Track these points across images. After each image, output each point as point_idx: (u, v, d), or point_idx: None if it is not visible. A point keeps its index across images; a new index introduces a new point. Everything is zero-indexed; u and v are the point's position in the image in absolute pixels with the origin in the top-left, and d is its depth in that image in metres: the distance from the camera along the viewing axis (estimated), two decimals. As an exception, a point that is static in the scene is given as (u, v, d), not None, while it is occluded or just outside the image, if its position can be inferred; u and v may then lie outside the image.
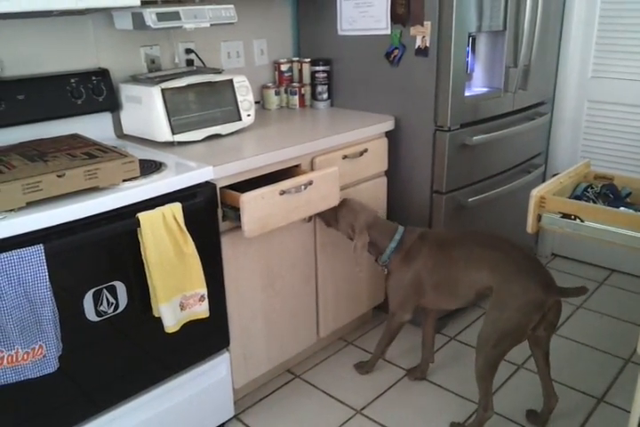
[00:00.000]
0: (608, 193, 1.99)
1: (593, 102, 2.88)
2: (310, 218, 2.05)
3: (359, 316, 2.48)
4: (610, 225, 1.75)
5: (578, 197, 2.00)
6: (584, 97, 2.90)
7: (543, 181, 2.81)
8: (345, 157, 2.09)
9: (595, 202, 1.97)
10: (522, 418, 2.01)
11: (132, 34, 2.08)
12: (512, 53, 2.40)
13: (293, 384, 2.21)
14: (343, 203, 2.01)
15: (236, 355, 1.95)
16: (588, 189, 2.02)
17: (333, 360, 2.35)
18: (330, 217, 2.03)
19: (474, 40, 2.40)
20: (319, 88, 2.50)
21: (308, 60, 2.53)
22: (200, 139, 1.99)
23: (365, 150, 2.17)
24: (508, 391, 2.15)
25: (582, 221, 1.81)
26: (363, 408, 2.09)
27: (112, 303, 1.54)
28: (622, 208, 1.85)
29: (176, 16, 1.89)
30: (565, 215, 1.84)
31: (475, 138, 2.27)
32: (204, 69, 2.18)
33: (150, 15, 1.82)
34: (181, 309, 1.60)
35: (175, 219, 1.55)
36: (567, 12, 2.80)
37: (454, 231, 2.00)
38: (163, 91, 1.90)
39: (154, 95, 1.89)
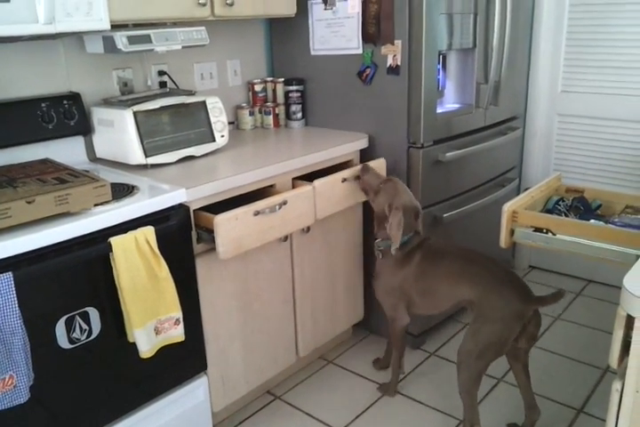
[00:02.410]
0: (579, 206, 2.03)
1: (563, 116, 2.94)
2: (286, 237, 2.05)
3: (339, 334, 2.47)
4: (581, 237, 1.78)
5: (550, 211, 2.03)
6: (554, 111, 2.95)
7: (517, 194, 2.84)
8: (344, 180, 2.08)
9: (566, 215, 2.00)
10: (503, 433, 2.02)
11: (104, 57, 2.08)
12: (482, 70, 2.45)
13: (274, 406, 2.19)
14: (391, 180, 2.02)
15: (214, 378, 1.93)
16: (560, 203, 2.05)
17: (314, 380, 2.34)
18: (371, 187, 2.04)
19: (444, 58, 2.44)
20: (293, 108, 2.52)
21: (282, 79, 2.55)
22: (173, 161, 1.99)
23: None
24: (489, 405, 2.15)
25: (554, 234, 1.83)
26: (344, 428, 2.08)
27: (85, 330, 1.52)
28: (593, 220, 1.88)
29: (147, 39, 1.90)
30: (537, 229, 1.87)
31: (448, 154, 2.29)
32: (177, 91, 2.18)
33: (121, 38, 1.82)
34: (156, 333, 1.59)
35: (148, 242, 1.54)
36: (535, 28, 2.86)
37: (451, 244, 2.03)
38: (135, 113, 1.90)
39: (126, 118, 1.89)
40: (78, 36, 1.96)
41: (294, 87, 2.50)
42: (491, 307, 1.75)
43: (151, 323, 1.57)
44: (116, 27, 1.77)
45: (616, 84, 2.74)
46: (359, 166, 2.10)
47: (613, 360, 1.10)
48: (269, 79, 2.58)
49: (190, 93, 2.11)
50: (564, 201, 2.05)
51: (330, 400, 2.21)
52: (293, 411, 2.16)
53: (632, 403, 1.06)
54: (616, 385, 1.08)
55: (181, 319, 1.64)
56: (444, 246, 1.99)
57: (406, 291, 1.97)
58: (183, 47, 1.98)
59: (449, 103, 2.50)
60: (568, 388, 2.24)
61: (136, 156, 1.90)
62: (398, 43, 2.17)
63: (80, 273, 1.50)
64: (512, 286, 1.76)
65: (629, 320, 1.04)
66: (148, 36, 1.89)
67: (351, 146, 2.25)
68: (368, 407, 2.17)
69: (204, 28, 2.02)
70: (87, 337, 1.53)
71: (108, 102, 2.03)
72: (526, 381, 1.94)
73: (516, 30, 2.55)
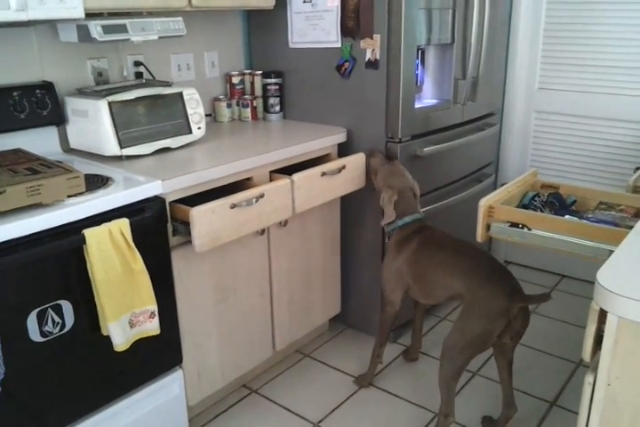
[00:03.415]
0: (554, 201, 2.05)
1: (540, 113, 2.97)
2: (263, 231, 2.04)
3: (315, 328, 2.47)
4: (555, 233, 1.80)
5: (525, 206, 2.04)
6: (532, 108, 2.98)
7: (494, 190, 2.87)
8: (323, 173, 2.08)
9: (542, 210, 2.02)
10: (477, 425, 2.03)
11: (78, 46, 2.04)
12: (460, 66, 2.45)
13: (250, 399, 2.19)
14: (394, 163, 2.17)
15: (190, 371, 1.91)
16: (536, 198, 2.07)
17: (290, 374, 2.34)
18: (373, 169, 2.19)
19: (423, 53, 2.44)
20: (271, 100, 2.50)
21: (260, 72, 2.53)
22: (149, 152, 1.96)
23: (343, 167, 2.16)
24: (465, 398, 2.17)
25: (529, 229, 1.85)
26: (320, 421, 2.08)
27: (58, 323, 1.50)
28: (567, 216, 1.90)
29: (123, 29, 1.86)
30: (513, 224, 1.89)
31: (426, 149, 2.30)
32: (153, 82, 2.15)
33: (96, 27, 1.79)
34: (131, 326, 1.57)
35: (123, 235, 1.52)
36: (513, 25, 2.88)
37: (449, 235, 2.03)
38: (110, 104, 1.87)
39: (101, 109, 1.85)
40: (52, 24, 1.92)
41: (272, 80, 2.48)
42: (478, 302, 1.75)
43: (126, 316, 1.55)
44: (90, 15, 1.74)
45: (591, 82, 2.77)
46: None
47: (586, 354, 1.11)
48: (247, 71, 2.56)
49: (167, 84, 2.09)
50: (539, 197, 2.07)
51: (306, 394, 2.21)
52: (269, 405, 2.16)
53: (604, 396, 1.08)
54: (588, 378, 1.10)
55: (157, 312, 1.62)
56: (442, 236, 2.00)
57: (403, 275, 2.00)
58: (160, 38, 1.95)
59: (427, 98, 2.51)
60: (542, 381, 2.27)
61: (111, 147, 1.87)
62: (377, 37, 2.17)
63: (53, 265, 1.47)
64: (500, 283, 1.75)
65: (602, 314, 1.05)
66: (124, 25, 1.86)
67: (329, 140, 2.24)
68: (344, 401, 2.18)
69: (181, 18, 1.99)
70: (60, 330, 1.51)
71: (82, 92, 1.99)
72: (508, 378, 1.96)
73: (494, 27, 2.57)
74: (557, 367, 2.36)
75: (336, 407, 2.14)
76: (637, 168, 2.22)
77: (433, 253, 1.93)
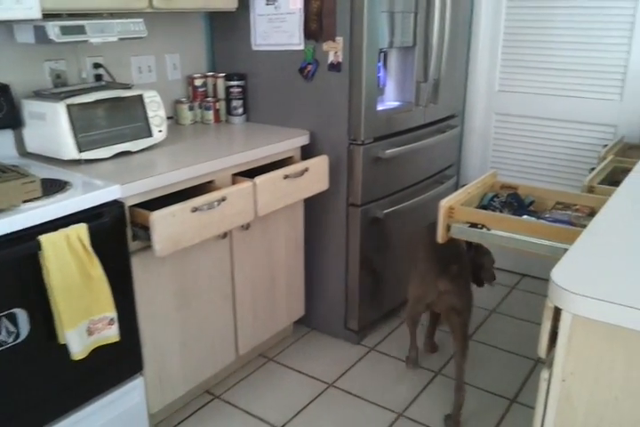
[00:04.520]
0: (513, 202, 2.08)
1: (500, 115, 3.02)
2: (225, 234, 2.03)
3: (279, 331, 2.46)
4: (514, 233, 1.83)
5: (485, 207, 2.07)
6: (492, 110, 3.03)
7: (456, 191, 2.90)
8: (286, 176, 2.07)
9: (501, 211, 2.05)
10: (439, 423, 2.06)
11: (35, 48, 2.00)
12: (422, 68, 2.48)
13: (213, 405, 2.17)
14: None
15: (151, 378, 1.89)
16: (495, 199, 2.10)
17: (253, 378, 2.33)
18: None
19: (385, 55, 2.46)
20: (234, 103, 2.49)
21: (223, 74, 2.51)
22: (109, 156, 1.93)
23: (306, 169, 2.16)
24: (427, 398, 2.19)
25: (489, 229, 1.88)
26: (284, 425, 2.07)
27: (12, 332, 1.46)
28: (525, 216, 1.94)
29: (81, 30, 1.83)
30: (473, 224, 1.91)
31: (388, 151, 2.32)
32: (113, 84, 2.12)
33: (53, 29, 1.75)
34: (89, 334, 1.54)
35: (80, 240, 1.49)
36: (474, 29, 2.93)
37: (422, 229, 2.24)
38: (68, 107, 1.83)
39: (58, 111, 1.82)
40: (7, 25, 1.88)
41: (235, 82, 2.47)
42: (419, 272, 2.07)
43: (83, 323, 1.52)
44: (48, 16, 1.71)
45: (548, 85, 2.83)
46: None
47: (542, 350, 1.13)
48: (210, 74, 2.55)
49: (127, 87, 2.06)
50: (498, 197, 2.10)
51: (270, 398, 2.21)
52: (233, 410, 2.14)
53: (559, 391, 1.10)
54: (544, 374, 1.12)
55: (116, 319, 1.60)
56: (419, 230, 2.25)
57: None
58: (120, 39, 1.92)
59: (389, 101, 2.53)
60: (502, 379, 2.30)
61: (69, 150, 1.83)
62: (340, 40, 2.18)
63: (7, 273, 1.43)
64: (440, 264, 1.98)
65: (557, 312, 1.07)
66: (82, 26, 1.83)
67: (292, 142, 2.24)
68: (308, 404, 2.17)
69: (141, 20, 1.96)
70: (14, 340, 1.47)
71: (39, 95, 1.95)
72: (459, 359, 2.04)
73: (456, 30, 2.60)
74: (517, 365, 2.40)
75: (300, 411, 2.14)
76: (592, 169, 2.27)
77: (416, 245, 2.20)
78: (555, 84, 2.82)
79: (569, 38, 2.71)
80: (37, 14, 1.63)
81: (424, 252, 2.08)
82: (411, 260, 2.17)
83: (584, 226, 1.80)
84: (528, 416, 2.09)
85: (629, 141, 2.63)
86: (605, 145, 2.57)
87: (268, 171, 2.03)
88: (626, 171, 2.20)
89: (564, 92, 2.80)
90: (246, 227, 2.10)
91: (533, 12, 2.77)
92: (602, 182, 2.11)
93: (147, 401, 1.89)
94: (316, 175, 2.20)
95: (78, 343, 1.52)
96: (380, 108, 2.32)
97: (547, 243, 1.73)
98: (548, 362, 1.12)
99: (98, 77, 2.21)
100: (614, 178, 2.25)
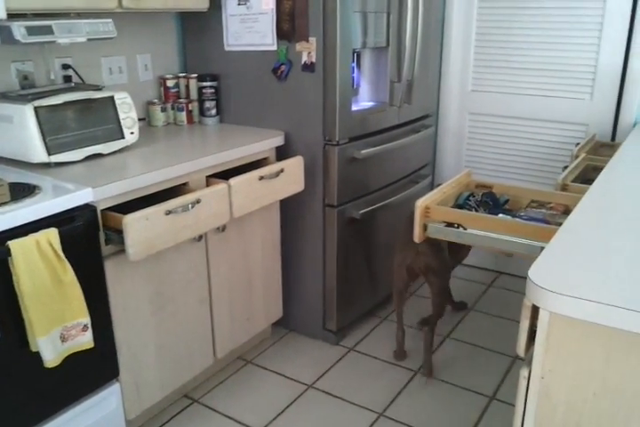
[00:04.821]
0: (488, 201, 2.10)
1: (473, 114, 3.04)
2: (201, 237, 2.00)
3: (258, 333, 2.44)
4: (490, 231, 1.85)
5: (461, 206, 2.09)
6: (465, 109, 3.05)
7: (431, 190, 2.92)
8: (261, 177, 2.05)
9: (476, 210, 2.07)
10: (420, 423, 2.06)
11: (1, 49, 1.95)
12: (396, 68, 2.49)
13: (191, 409, 2.14)
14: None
15: (128, 384, 1.86)
16: (470, 198, 2.12)
17: (232, 381, 2.30)
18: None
19: (359, 56, 2.46)
20: (207, 104, 2.47)
21: (195, 75, 2.48)
22: (79, 159, 1.89)
23: (282, 170, 2.14)
24: (407, 397, 2.19)
25: (465, 228, 1.89)
26: (264, 428, 2.06)
27: (-18, 340, 1.42)
28: (501, 215, 1.95)
29: (48, 30, 1.79)
30: (449, 224, 1.92)
31: (363, 151, 2.31)
32: (82, 86, 2.08)
33: (19, 29, 1.71)
34: (62, 341, 1.50)
35: (51, 245, 1.46)
36: (446, 29, 2.95)
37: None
38: (36, 109, 1.79)
39: (26, 114, 1.77)
40: (-29, 26, 1.83)
41: (208, 83, 2.45)
42: (400, 244, 2.28)
43: (56, 330, 1.48)
44: (14, 16, 1.67)
45: (520, 84, 2.86)
46: None
47: (520, 349, 1.14)
48: (182, 75, 2.52)
49: (97, 88, 2.02)
50: (474, 196, 2.12)
51: (249, 401, 2.19)
52: (212, 414, 2.12)
53: (538, 389, 1.10)
54: (523, 372, 1.12)
55: (90, 325, 1.56)
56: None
57: None
58: (88, 40, 1.89)
59: (364, 101, 2.53)
60: (480, 376, 2.32)
61: (38, 154, 1.79)
62: (313, 40, 2.17)
63: (-25, 279, 1.39)
64: (410, 239, 2.07)
65: (534, 310, 1.08)
66: (50, 26, 1.79)
67: (267, 143, 2.23)
68: (288, 405, 2.16)
69: (111, 20, 1.93)
70: (-15, 348, 1.43)
71: (6, 97, 1.90)
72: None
73: (428, 31, 2.61)
74: (495, 362, 2.41)
75: (280, 413, 2.12)
76: (565, 167, 2.30)
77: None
78: (527, 84, 2.85)
79: (540, 38, 2.74)
80: (2, 14, 1.59)
81: (406, 225, 2.22)
82: (396, 237, 2.38)
83: (559, 224, 1.82)
84: (507, 413, 2.11)
85: (600, 140, 2.67)
86: (577, 143, 2.61)
87: (243, 172, 2.01)
88: (598, 169, 2.24)
89: (535, 91, 2.83)
90: (222, 229, 2.08)
91: (505, 12, 2.80)
92: (575, 180, 2.14)
93: (124, 407, 1.85)
94: (291, 176, 2.19)
95: (51, 351, 1.48)
96: (354, 108, 2.31)
97: (523, 241, 1.74)
98: (527, 360, 1.13)
99: (67, 79, 2.17)
100: (587, 176, 2.29)
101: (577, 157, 2.35)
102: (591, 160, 2.33)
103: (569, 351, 1.05)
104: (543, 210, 1.97)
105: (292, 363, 2.41)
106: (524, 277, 3.30)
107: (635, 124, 2.62)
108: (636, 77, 2.57)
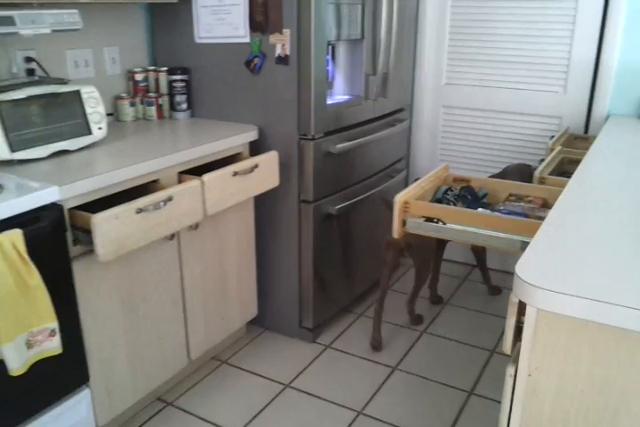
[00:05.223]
0: (466, 195, 2.08)
1: (448, 108, 3.02)
2: (173, 235, 1.94)
3: (232, 333, 2.40)
4: (469, 226, 1.82)
5: (439, 200, 2.06)
6: (439, 103, 3.03)
7: (406, 185, 2.90)
8: (235, 173, 1.99)
9: (455, 204, 2.05)
10: (399, 420, 2.03)
11: (-42, 40, 1.86)
12: (371, 61, 2.45)
13: (165, 413, 2.08)
14: None
15: (98, 389, 1.79)
16: (448, 192, 2.09)
17: (207, 382, 2.25)
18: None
19: (333, 48, 2.42)
20: (177, 98, 2.40)
21: (165, 68, 2.41)
22: (45, 156, 1.81)
23: (256, 166, 2.08)
24: (385, 394, 2.17)
25: (444, 223, 1.87)
26: (242, 430, 2.01)
27: (-58, 348, 1.35)
28: (480, 209, 1.94)
29: (10, 21, 1.72)
30: (428, 219, 1.90)
31: (338, 146, 2.27)
32: (47, 80, 2.00)
33: (-23, 20, 1.63)
34: (28, 347, 1.43)
35: (15, 247, 1.38)
36: (421, 22, 2.92)
37: None
38: (-3, 103, 1.71)
39: (-14, 108, 1.69)
40: None
41: (178, 77, 2.38)
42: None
43: (21, 336, 1.41)
44: (-30, 6, 1.58)
45: (493, 77, 2.85)
46: None
47: (507, 346, 1.12)
48: (151, 68, 2.44)
49: (62, 82, 1.94)
50: (452, 191, 2.10)
51: (225, 402, 2.14)
52: (186, 416, 2.06)
53: (525, 386, 1.09)
54: (510, 370, 1.10)
55: (58, 330, 1.49)
56: None
57: None
58: (53, 31, 1.81)
59: (339, 95, 2.49)
60: (458, 371, 2.31)
61: (0, 150, 1.71)
62: (287, 32, 2.12)
63: None
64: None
65: (521, 306, 1.05)
66: (11, 17, 1.72)
67: (240, 138, 2.17)
68: (265, 406, 2.12)
69: (76, 11, 1.86)
70: (-55, 356, 1.36)
71: (-36, 91, 1.81)
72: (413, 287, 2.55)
73: (403, 23, 2.58)
74: (473, 356, 2.41)
75: (257, 414, 2.08)
76: (542, 160, 2.29)
77: None
78: (500, 77, 2.84)
79: (514, 31, 2.74)
80: (-40, 3, 1.50)
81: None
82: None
83: (538, 217, 1.81)
84: (487, 408, 2.10)
85: (574, 132, 2.68)
86: (552, 136, 2.61)
87: (216, 168, 1.95)
88: (573, 161, 2.24)
89: (509, 84, 2.83)
90: (195, 227, 2.02)
91: (479, 4, 2.78)
92: (551, 173, 2.14)
93: (95, 413, 1.79)
94: (266, 172, 2.14)
95: (16, 358, 1.41)
96: (329, 102, 2.27)
97: (502, 235, 1.73)
98: (514, 357, 1.11)
99: (30, 72, 2.08)
100: (562, 169, 2.28)
101: (552, 150, 2.34)
102: (567, 153, 2.33)
103: (556, 348, 1.03)
104: (522, 203, 1.95)
105: (268, 362, 2.37)
106: (499, 271, 3.34)
107: (607, 117, 2.63)
108: (609, 70, 2.58)
